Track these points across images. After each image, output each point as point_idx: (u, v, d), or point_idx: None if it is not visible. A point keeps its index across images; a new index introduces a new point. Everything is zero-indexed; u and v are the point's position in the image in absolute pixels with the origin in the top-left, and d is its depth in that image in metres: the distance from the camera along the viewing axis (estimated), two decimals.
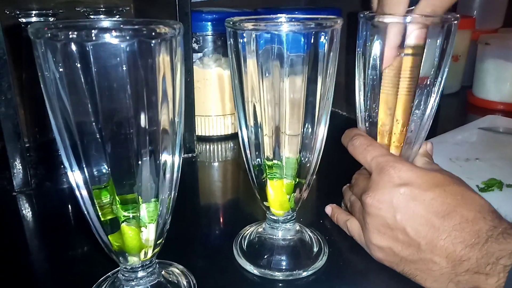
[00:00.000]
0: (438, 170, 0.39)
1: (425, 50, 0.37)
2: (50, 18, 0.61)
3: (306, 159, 0.36)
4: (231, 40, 0.33)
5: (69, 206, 0.51)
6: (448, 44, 0.38)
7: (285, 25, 0.31)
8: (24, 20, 0.60)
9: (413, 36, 0.36)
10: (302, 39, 0.32)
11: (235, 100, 0.36)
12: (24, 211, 0.50)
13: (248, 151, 0.37)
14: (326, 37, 0.31)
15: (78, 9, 0.67)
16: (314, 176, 0.39)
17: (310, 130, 0.35)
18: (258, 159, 0.37)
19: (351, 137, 0.41)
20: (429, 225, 0.34)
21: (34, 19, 0.60)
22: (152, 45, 0.26)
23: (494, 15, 1.05)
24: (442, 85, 0.40)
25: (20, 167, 0.53)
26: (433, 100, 0.40)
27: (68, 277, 0.40)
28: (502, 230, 0.31)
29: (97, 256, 0.40)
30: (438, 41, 0.37)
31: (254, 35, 0.31)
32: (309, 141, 0.36)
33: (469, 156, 0.62)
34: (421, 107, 0.40)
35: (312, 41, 0.31)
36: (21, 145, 0.52)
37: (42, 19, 0.61)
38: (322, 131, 0.36)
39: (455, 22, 0.37)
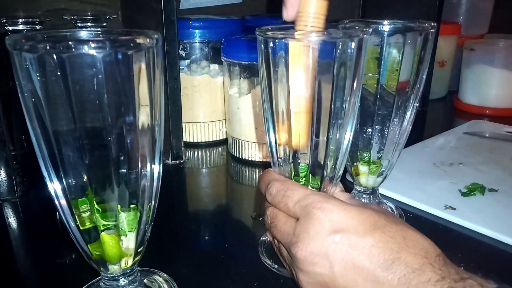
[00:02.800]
0: (369, 207, 0.34)
1: (403, 57, 0.38)
2: (37, 26, 0.61)
3: (334, 160, 0.37)
4: (262, 47, 0.34)
5: (55, 214, 0.51)
6: (425, 52, 0.38)
7: (314, 34, 0.31)
8: (10, 28, 0.60)
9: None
10: (331, 48, 0.32)
11: (263, 105, 0.37)
12: (9, 219, 0.50)
13: (275, 155, 0.38)
14: (354, 46, 0.32)
15: (65, 17, 0.67)
16: (341, 172, 0.39)
17: (337, 135, 0.35)
18: (285, 163, 0.37)
19: (267, 184, 0.37)
20: (372, 279, 0.29)
21: (21, 27, 0.60)
22: (129, 55, 0.26)
23: (480, 21, 1.07)
24: (420, 92, 0.40)
25: (5, 175, 0.53)
26: (412, 106, 0.40)
27: (53, 285, 0.40)
28: (450, 283, 0.28)
29: (81, 263, 0.40)
30: (416, 48, 0.38)
31: (284, 44, 0.32)
32: (335, 144, 0.36)
33: (453, 161, 0.63)
34: (400, 113, 0.40)
35: (340, 49, 0.32)
36: (6, 153, 0.52)
37: (29, 27, 0.61)
38: (348, 136, 0.36)
39: (432, 30, 0.38)
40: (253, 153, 0.65)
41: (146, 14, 0.64)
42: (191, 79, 0.69)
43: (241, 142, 0.65)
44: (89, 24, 0.67)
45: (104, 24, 0.68)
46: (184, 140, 0.67)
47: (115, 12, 0.75)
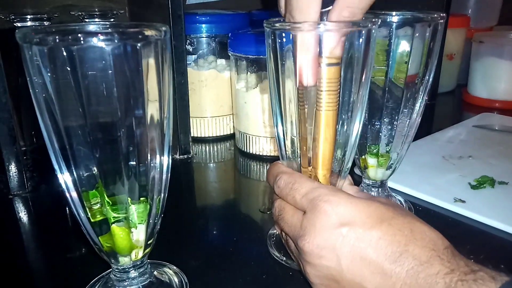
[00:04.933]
0: (377, 199, 0.33)
1: (411, 49, 0.37)
2: (45, 22, 0.61)
3: (342, 153, 0.37)
4: (270, 40, 0.34)
5: (65, 208, 0.52)
6: (434, 43, 0.38)
7: (323, 25, 0.31)
8: (19, 24, 0.60)
9: (331, 46, 0.31)
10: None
11: (271, 98, 0.37)
12: (20, 214, 0.51)
13: (283, 148, 0.38)
14: (363, 37, 0.32)
15: (73, 13, 0.68)
16: (350, 165, 0.38)
17: (345, 127, 0.35)
18: (294, 155, 0.37)
19: (275, 177, 0.37)
20: (380, 272, 0.29)
21: (29, 23, 0.61)
22: (138, 48, 0.27)
23: (489, 13, 1.06)
24: (430, 84, 0.40)
25: (16, 170, 0.53)
26: (421, 99, 0.40)
27: (63, 278, 0.40)
28: (459, 276, 0.27)
29: (92, 257, 0.41)
30: (425, 40, 0.38)
31: (291, 35, 0.32)
32: (343, 137, 0.36)
33: (462, 154, 0.62)
34: (409, 106, 0.40)
35: (348, 41, 0.32)
36: (17, 148, 0.53)
37: (37, 23, 0.61)
38: (356, 128, 0.36)
39: (441, 21, 0.37)
40: (261, 147, 0.65)
41: (153, 9, 0.65)
42: (198, 74, 0.69)
43: (249, 137, 0.65)
44: (96, 19, 0.67)
45: (112, 19, 0.68)
46: (192, 135, 0.67)
47: (122, 7, 0.75)
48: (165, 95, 0.30)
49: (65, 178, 0.29)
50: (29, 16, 0.61)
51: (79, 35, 0.25)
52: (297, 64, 0.32)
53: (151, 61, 0.28)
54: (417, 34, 0.38)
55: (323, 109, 0.33)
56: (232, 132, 0.73)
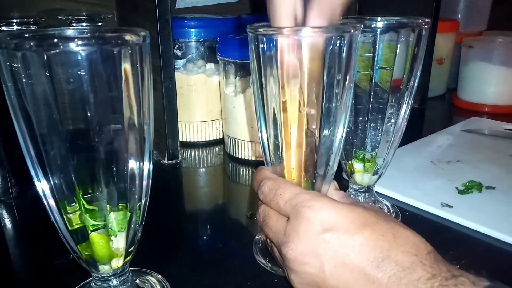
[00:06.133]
0: (360, 205, 0.33)
1: (396, 54, 0.37)
2: (31, 27, 0.61)
3: (325, 158, 0.37)
4: (253, 45, 0.34)
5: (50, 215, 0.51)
6: (419, 48, 0.38)
7: (305, 30, 0.31)
8: (5, 28, 0.60)
9: (309, 46, 0.31)
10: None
11: (255, 104, 0.36)
12: (4, 220, 0.50)
13: (268, 153, 0.37)
14: (345, 42, 0.32)
15: (60, 17, 0.67)
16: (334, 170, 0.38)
17: (328, 132, 0.35)
18: (278, 161, 0.37)
19: (259, 183, 0.37)
20: (363, 278, 0.29)
21: (15, 27, 0.60)
22: (115, 53, 0.26)
23: (478, 18, 1.07)
24: (415, 89, 0.40)
25: (0, 176, 0.52)
26: (406, 104, 0.40)
27: (46, 285, 0.39)
28: (441, 281, 0.27)
29: (76, 264, 0.40)
30: (409, 45, 0.37)
31: (274, 40, 0.32)
32: (327, 142, 0.36)
33: (450, 159, 0.62)
34: (394, 111, 0.40)
35: (331, 46, 0.32)
36: (0, 153, 0.52)
37: (23, 27, 0.61)
38: (340, 133, 0.36)
39: (426, 26, 0.37)
40: (249, 152, 0.64)
41: (141, 13, 0.64)
42: (187, 78, 0.69)
43: (237, 141, 0.64)
44: (84, 24, 0.67)
45: (100, 24, 0.68)
46: (181, 139, 0.67)
47: (110, 12, 0.75)
48: (144, 100, 0.29)
49: (42, 186, 0.28)
50: (15, 20, 0.60)
51: (56, 40, 0.25)
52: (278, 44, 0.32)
53: (130, 66, 0.27)
54: (401, 39, 0.38)
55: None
56: (221, 137, 0.73)
